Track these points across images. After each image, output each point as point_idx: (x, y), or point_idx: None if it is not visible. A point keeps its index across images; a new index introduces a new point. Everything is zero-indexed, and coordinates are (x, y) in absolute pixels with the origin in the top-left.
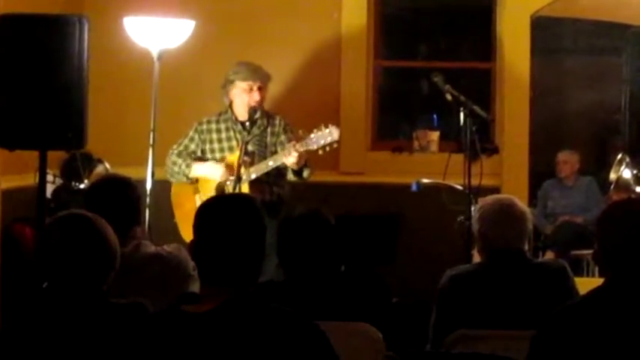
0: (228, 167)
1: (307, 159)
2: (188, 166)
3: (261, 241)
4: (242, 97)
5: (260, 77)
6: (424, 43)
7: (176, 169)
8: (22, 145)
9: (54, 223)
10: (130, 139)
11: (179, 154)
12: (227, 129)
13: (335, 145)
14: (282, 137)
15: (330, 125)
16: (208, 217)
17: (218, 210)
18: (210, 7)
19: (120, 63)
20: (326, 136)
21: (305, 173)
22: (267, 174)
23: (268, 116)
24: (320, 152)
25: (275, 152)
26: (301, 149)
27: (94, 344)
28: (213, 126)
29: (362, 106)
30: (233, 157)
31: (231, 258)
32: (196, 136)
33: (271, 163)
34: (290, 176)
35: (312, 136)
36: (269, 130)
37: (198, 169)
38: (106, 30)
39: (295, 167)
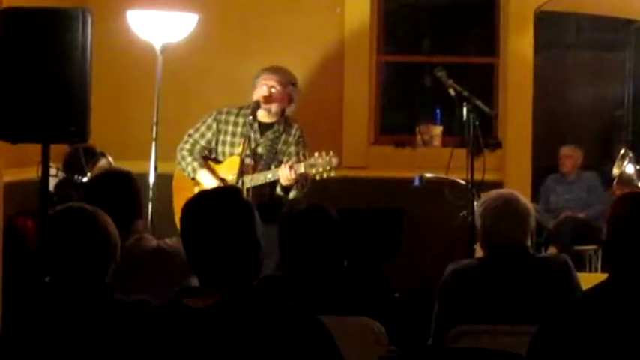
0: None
1: (302, 182)
2: (194, 170)
3: (251, 232)
4: (257, 93)
5: (278, 78)
6: (427, 38)
7: (184, 164)
8: (25, 138)
9: (53, 216)
10: (133, 133)
11: (191, 150)
12: (244, 125)
13: (332, 174)
14: (292, 149)
15: (331, 153)
16: (193, 216)
17: (201, 208)
18: (214, 1)
19: (123, 56)
20: (325, 164)
21: (291, 194)
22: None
23: (286, 123)
24: (317, 178)
25: (281, 161)
26: (298, 170)
27: (96, 337)
28: (232, 118)
29: (365, 101)
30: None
31: (222, 255)
32: (214, 125)
33: (270, 177)
34: (277, 190)
35: (312, 160)
36: (283, 137)
37: (202, 177)
38: (110, 23)
39: (284, 182)
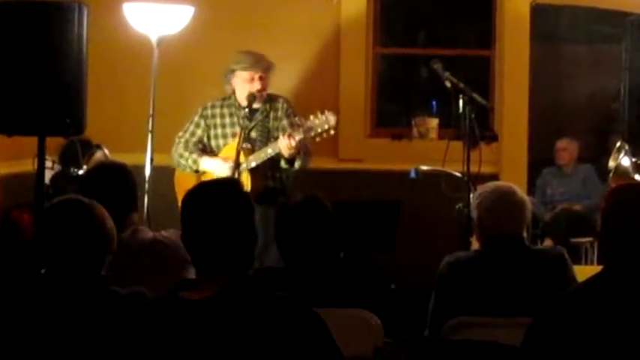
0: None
1: (304, 150)
2: (195, 161)
3: (250, 224)
4: (243, 86)
5: (261, 67)
6: (423, 30)
7: (183, 162)
8: (21, 130)
9: (49, 208)
10: (129, 125)
11: (186, 146)
12: (231, 114)
13: (332, 132)
14: (284, 121)
15: (326, 111)
16: (193, 207)
17: (202, 198)
18: None
19: (119, 49)
20: (322, 123)
21: (297, 164)
22: (270, 160)
23: (271, 100)
24: (317, 139)
25: (277, 138)
26: (296, 136)
27: (92, 329)
28: (218, 110)
29: (361, 94)
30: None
31: (221, 245)
32: (202, 122)
33: (270, 151)
34: (282, 164)
35: (308, 122)
36: (271, 115)
37: (205, 164)
38: (106, 16)
39: (286, 153)
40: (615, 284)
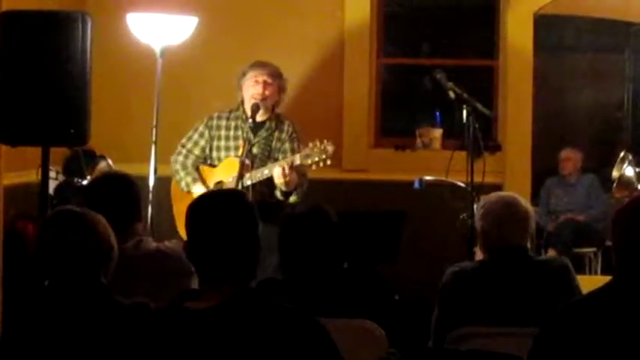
0: None
1: (301, 181)
2: (187, 185)
3: (254, 234)
4: (250, 91)
5: (268, 71)
6: (427, 40)
7: (178, 178)
8: (25, 141)
9: (46, 220)
10: (133, 136)
11: (184, 161)
12: (236, 127)
13: (328, 162)
14: (287, 145)
15: (325, 141)
16: (199, 216)
17: (208, 207)
18: (213, 3)
19: (123, 59)
20: (320, 152)
21: (292, 198)
22: (267, 177)
23: (278, 120)
24: (313, 167)
25: (277, 159)
26: (294, 162)
27: (96, 340)
28: (223, 122)
29: (365, 104)
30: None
31: (226, 255)
32: (206, 132)
33: (266, 172)
34: (278, 194)
35: (307, 150)
36: (276, 134)
37: (197, 191)
38: (109, 26)
39: (277, 180)
40: (624, 295)
